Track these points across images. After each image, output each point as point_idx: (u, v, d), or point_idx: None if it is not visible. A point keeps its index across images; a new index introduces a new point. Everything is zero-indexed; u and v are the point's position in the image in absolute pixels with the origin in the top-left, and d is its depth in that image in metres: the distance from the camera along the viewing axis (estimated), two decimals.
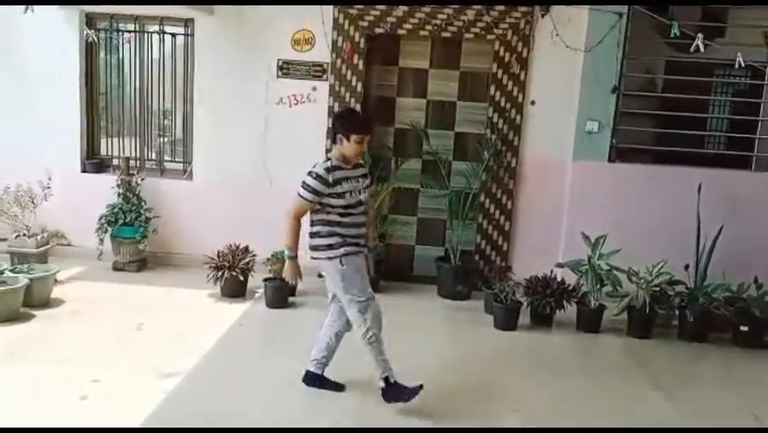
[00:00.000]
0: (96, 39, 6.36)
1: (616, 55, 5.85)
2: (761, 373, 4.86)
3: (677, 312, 5.42)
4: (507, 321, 5.32)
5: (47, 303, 5.20)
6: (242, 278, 5.61)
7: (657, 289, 5.34)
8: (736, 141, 6.28)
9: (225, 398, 3.86)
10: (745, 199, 5.94)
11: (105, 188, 6.24)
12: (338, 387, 3.98)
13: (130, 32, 6.49)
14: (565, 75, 5.98)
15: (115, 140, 6.74)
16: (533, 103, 6.10)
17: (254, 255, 5.71)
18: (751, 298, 5.36)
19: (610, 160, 6.06)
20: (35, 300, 5.10)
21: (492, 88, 6.10)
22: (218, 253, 5.66)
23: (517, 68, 6.03)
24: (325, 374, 3.99)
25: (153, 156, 6.78)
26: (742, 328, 5.28)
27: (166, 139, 6.83)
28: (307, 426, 3.61)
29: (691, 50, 5.27)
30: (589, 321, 5.40)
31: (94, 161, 6.64)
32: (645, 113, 6.30)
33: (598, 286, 5.35)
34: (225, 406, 3.76)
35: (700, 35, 5.22)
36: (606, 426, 3.81)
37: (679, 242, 5.58)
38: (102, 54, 6.62)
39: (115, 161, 6.67)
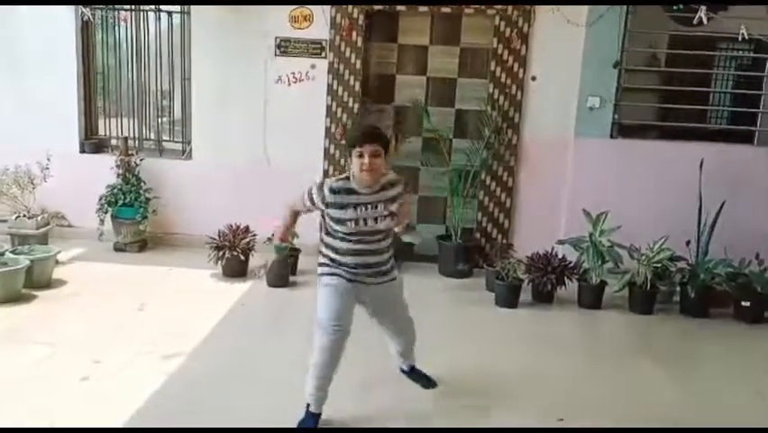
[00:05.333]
0: (91, 17, 6.29)
1: (618, 29, 5.77)
2: (763, 349, 4.86)
3: (678, 288, 5.43)
4: (508, 298, 5.32)
5: (48, 284, 5.20)
6: (242, 258, 5.61)
7: (658, 265, 5.32)
8: (739, 115, 6.23)
9: (227, 379, 3.86)
10: (748, 174, 5.90)
11: (104, 169, 6.22)
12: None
13: (126, 9, 6.42)
14: (566, 50, 5.91)
15: (113, 120, 6.71)
16: (533, 78, 6.04)
17: (255, 235, 5.70)
18: (752, 273, 5.34)
19: (612, 136, 6.02)
20: (36, 282, 5.09)
21: (493, 64, 6.03)
22: (219, 232, 5.65)
23: (518, 43, 5.96)
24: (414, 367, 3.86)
25: (152, 136, 6.75)
26: (743, 304, 5.27)
27: (164, 119, 6.80)
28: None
29: (694, 22, 5.20)
30: (591, 298, 5.39)
31: (92, 142, 6.61)
32: (648, 88, 6.24)
33: (600, 263, 5.34)
34: (227, 387, 3.76)
35: (703, 7, 5.15)
36: (608, 405, 3.81)
37: (680, 218, 5.56)
38: (98, 33, 6.56)
39: (114, 142, 6.65)
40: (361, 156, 3.16)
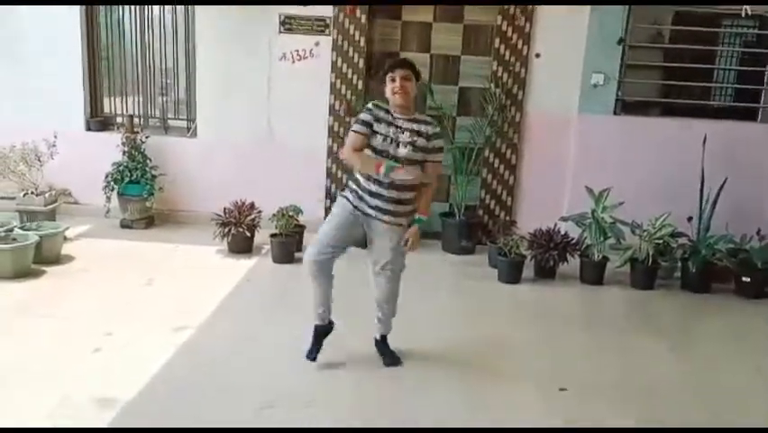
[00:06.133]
0: None
1: (622, 6, 5.76)
2: (762, 324, 4.92)
3: (680, 264, 5.48)
4: (511, 274, 5.38)
5: (57, 260, 5.27)
6: (248, 234, 5.67)
7: (660, 241, 5.36)
8: (742, 92, 6.22)
9: (234, 351, 3.94)
10: (751, 151, 5.92)
11: (110, 147, 6.26)
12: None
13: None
14: (570, 27, 5.90)
15: (119, 98, 6.74)
16: (537, 56, 6.05)
17: (260, 211, 5.75)
18: (753, 249, 5.38)
19: (615, 112, 6.03)
20: (45, 257, 5.17)
21: (497, 41, 6.03)
22: (224, 209, 5.70)
23: (522, 20, 5.96)
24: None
25: (157, 114, 6.78)
26: (744, 279, 5.33)
27: (169, 97, 6.81)
28: (311, 383, 3.66)
29: None
30: (593, 274, 5.45)
31: (98, 120, 6.65)
32: (652, 65, 6.24)
33: (602, 239, 5.39)
34: (233, 361, 3.83)
35: None
36: (608, 381, 3.86)
37: (682, 194, 5.60)
38: (103, 11, 6.56)
39: (119, 120, 6.68)
40: (393, 80, 3.53)
